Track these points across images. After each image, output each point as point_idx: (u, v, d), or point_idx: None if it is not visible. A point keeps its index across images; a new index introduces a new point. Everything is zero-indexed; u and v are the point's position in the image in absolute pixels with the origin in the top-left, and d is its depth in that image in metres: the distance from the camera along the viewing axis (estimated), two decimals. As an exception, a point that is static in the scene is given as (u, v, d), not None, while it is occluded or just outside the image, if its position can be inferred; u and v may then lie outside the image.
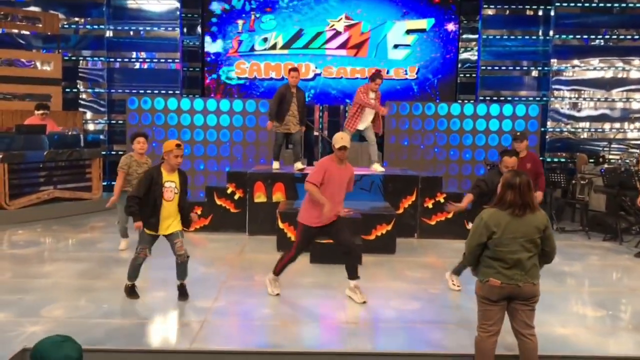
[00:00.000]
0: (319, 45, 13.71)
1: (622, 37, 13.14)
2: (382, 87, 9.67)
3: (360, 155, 11.88)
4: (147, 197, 5.71)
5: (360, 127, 9.44)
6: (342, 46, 13.71)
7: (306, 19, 13.71)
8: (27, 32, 12.73)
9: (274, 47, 13.73)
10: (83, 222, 10.01)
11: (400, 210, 9.18)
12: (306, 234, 6.10)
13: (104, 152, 12.31)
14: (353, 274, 6.12)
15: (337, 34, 13.69)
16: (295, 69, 9.39)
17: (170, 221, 5.83)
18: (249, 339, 5.15)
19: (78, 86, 13.31)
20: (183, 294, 6.00)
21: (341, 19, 13.68)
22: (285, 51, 13.74)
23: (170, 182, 5.75)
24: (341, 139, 6.01)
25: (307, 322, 5.58)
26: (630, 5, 13.06)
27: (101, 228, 9.66)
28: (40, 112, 10.53)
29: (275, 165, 9.67)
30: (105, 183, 12.37)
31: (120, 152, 13.16)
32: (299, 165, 9.47)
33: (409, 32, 13.72)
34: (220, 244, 8.56)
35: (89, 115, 13.34)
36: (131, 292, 6.00)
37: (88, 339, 4.83)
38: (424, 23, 13.76)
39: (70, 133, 11.09)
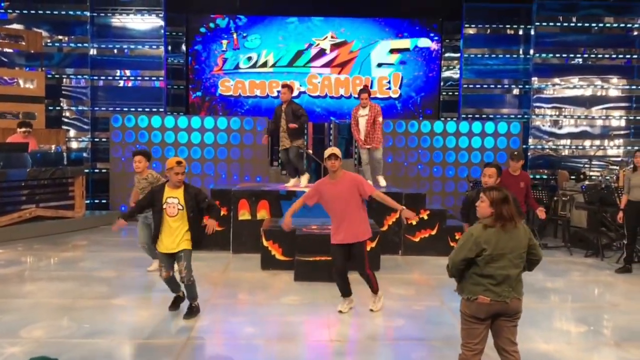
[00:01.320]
0: (304, 63, 13.83)
1: (600, 56, 13.42)
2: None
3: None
4: (154, 214, 5.87)
5: (363, 143, 9.38)
6: (327, 64, 13.83)
7: (291, 38, 13.83)
8: (10, 50, 12.69)
9: (261, 65, 13.81)
10: (65, 241, 9.90)
11: (385, 228, 9.20)
12: (331, 251, 6.14)
13: (87, 170, 12.23)
14: (373, 290, 6.31)
15: (323, 52, 13.81)
16: (284, 86, 9.30)
17: (176, 239, 5.80)
18: (233, 358, 5.11)
19: (61, 104, 13.26)
20: (190, 312, 6.02)
21: (326, 37, 13.82)
22: (271, 69, 13.83)
23: (173, 198, 5.77)
24: (332, 148, 6.00)
25: (292, 340, 5.55)
26: (608, 25, 13.35)
27: (84, 247, 9.56)
28: (23, 130, 10.45)
29: (290, 182, 9.57)
30: (88, 201, 12.28)
31: (103, 170, 13.10)
32: (301, 180, 9.51)
33: (392, 51, 13.89)
34: (203, 262, 8.50)
35: (72, 133, 13.27)
36: (172, 304, 6.17)
37: (69, 359, 4.77)
38: (407, 42, 13.93)
39: (52, 150, 11.01)
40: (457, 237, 8.54)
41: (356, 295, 6.98)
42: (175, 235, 5.79)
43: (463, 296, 4.07)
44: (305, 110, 9.30)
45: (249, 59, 13.81)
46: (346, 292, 6.25)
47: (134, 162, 7.45)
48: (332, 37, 13.81)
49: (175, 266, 5.95)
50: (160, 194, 5.79)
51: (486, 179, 6.21)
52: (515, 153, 8.14)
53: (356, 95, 9.23)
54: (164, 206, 5.75)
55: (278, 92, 9.79)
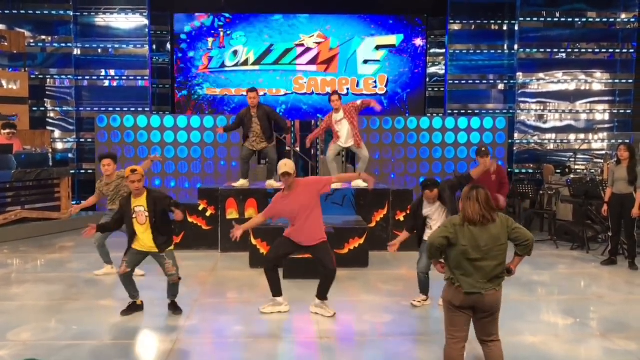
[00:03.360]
0: (290, 61, 13.81)
1: (583, 50, 13.54)
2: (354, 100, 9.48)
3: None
4: (126, 223, 5.89)
5: (343, 144, 9.10)
6: (313, 62, 13.83)
7: (276, 35, 13.81)
8: (-8, 51, 12.56)
9: (245, 63, 13.79)
10: (52, 243, 9.84)
11: (373, 224, 9.24)
12: (280, 240, 6.07)
13: (72, 171, 12.14)
14: (323, 295, 6.10)
15: (308, 50, 13.80)
16: (252, 90, 9.04)
17: (147, 243, 5.88)
18: (222, 356, 5.12)
19: (46, 105, 13.15)
20: (176, 308, 6.11)
21: (313, 35, 13.81)
22: (256, 67, 13.81)
23: (139, 207, 5.82)
24: (284, 165, 5.81)
25: (281, 338, 5.56)
26: (591, 20, 13.47)
27: (70, 248, 9.50)
28: (7, 131, 10.34)
29: (239, 182, 9.39)
30: (74, 202, 12.19)
31: (89, 171, 13.02)
32: (272, 182, 9.41)
33: (378, 47, 13.91)
34: (192, 261, 8.48)
35: (57, 133, 13.17)
36: (126, 308, 6.04)
37: (57, 361, 4.75)
38: (392, 39, 13.97)
39: (37, 152, 10.90)
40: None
41: (345, 290, 7.01)
42: (145, 240, 5.87)
43: (445, 277, 4.12)
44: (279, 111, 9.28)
45: (235, 53, 13.76)
46: (279, 290, 6.15)
47: (102, 167, 7.28)
48: (318, 35, 13.79)
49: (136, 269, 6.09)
50: (129, 204, 5.85)
51: (432, 200, 6.35)
52: (483, 149, 8.21)
53: (343, 92, 9.13)
54: (134, 215, 5.82)
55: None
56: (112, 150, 10.91)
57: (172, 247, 6.03)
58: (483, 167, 7.01)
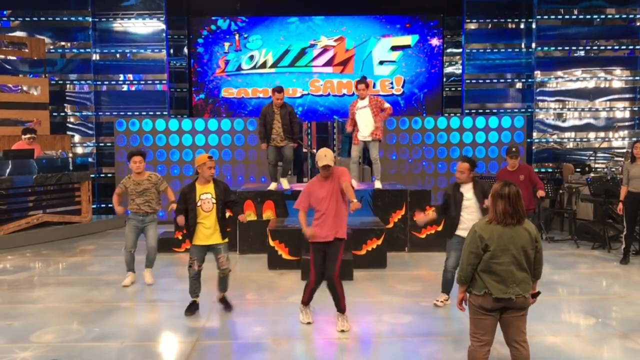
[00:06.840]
0: (306, 63, 13.84)
1: (602, 47, 13.37)
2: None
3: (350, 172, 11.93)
4: (189, 212, 6.04)
5: (363, 135, 9.10)
6: (329, 63, 13.84)
7: (292, 38, 13.85)
8: (14, 58, 12.76)
9: (262, 65, 13.83)
10: (73, 246, 9.96)
11: (390, 225, 9.22)
12: (313, 251, 5.77)
13: (92, 175, 12.28)
14: (337, 307, 5.77)
15: (324, 51, 13.81)
16: (279, 90, 8.97)
17: (209, 232, 6.06)
18: (242, 357, 5.14)
19: (65, 110, 13.32)
20: (227, 305, 6.27)
21: (328, 37, 13.83)
22: (272, 70, 13.85)
23: (206, 194, 6.02)
24: (324, 156, 5.55)
25: (300, 338, 5.58)
26: (610, 16, 13.30)
27: (91, 251, 9.61)
28: (27, 136, 10.50)
29: (272, 186, 9.41)
30: (94, 206, 12.33)
31: (109, 175, 13.16)
32: (284, 182, 9.45)
33: (393, 48, 13.88)
34: (210, 263, 8.51)
35: (77, 138, 13.33)
36: (188, 308, 6.16)
37: (79, 363, 4.81)
38: (408, 39, 13.92)
39: (58, 157, 11.05)
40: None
41: (364, 291, 7.01)
42: (208, 228, 6.04)
43: (473, 292, 4.07)
44: (298, 111, 9.16)
45: (251, 57, 13.82)
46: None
47: (133, 163, 7.18)
48: (335, 40, 13.79)
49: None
50: (193, 193, 6.03)
51: (458, 175, 6.22)
52: (514, 149, 8.18)
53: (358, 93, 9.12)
54: (199, 203, 5.99)
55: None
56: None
57: (227, 240, 6.21)
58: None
